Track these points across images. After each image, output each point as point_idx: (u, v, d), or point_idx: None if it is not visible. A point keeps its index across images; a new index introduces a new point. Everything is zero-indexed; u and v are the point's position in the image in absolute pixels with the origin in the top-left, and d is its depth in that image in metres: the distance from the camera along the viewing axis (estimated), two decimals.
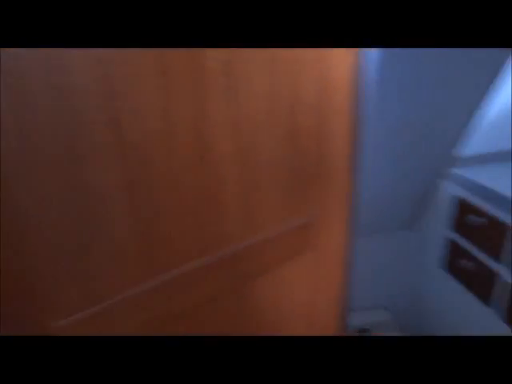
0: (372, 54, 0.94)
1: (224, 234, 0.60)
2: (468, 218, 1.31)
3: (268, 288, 0.70)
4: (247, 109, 0.56)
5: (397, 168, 1.26)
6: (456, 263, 1.39)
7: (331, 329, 0.87)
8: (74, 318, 0.49)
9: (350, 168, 0.73)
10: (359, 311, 1.58)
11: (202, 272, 0.59)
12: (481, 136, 1.34)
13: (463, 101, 1.13)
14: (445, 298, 1.49)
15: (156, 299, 0.56)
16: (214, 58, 0.51)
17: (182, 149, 0.52)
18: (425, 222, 1.51)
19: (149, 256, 0.53)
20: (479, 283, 1.30)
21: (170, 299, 0.57)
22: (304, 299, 0.80)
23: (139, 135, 0.48)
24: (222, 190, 0.57)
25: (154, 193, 0.51)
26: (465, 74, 1.06)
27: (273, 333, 0.75)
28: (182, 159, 0.52)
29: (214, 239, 0.60)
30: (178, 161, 0.52)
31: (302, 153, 0.65)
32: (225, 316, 0.66)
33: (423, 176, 1.33)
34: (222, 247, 0.61)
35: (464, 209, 1.35)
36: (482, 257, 1.28)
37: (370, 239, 1.48)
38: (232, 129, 0.55)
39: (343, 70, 0.64)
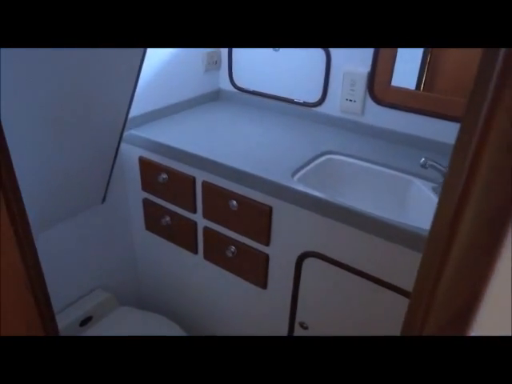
0: None
1: None
2: (154, 176, 1.33)
3: None
4: None
5: (74, 150, 1.13)
6: (158, 222, 1.42)
7: None
8: None
9: None
10: (79, 301, 1.44)
11: None
12: (140, 98, 1.34)
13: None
14: (158, 258, 1.53)
15: None
16: None
17: None
18: (119, 190, 1.46)
19: None
20: (183, 236, 1.38)
21: None
22: None
23: None
24: None
25: None
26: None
27: None
28: None
29: None
30: None
31: None
32: None
33: (102, 149, 1.24)
34: None
35: (147, 167, 1.34)
36: (178, 211, 1.35)
37: (65, 225, 1.33)
38: None
39: None
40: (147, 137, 1.31)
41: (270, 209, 1.11)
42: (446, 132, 1.23)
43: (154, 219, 1.44)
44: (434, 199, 1.10)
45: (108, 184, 1.37)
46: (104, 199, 1.40)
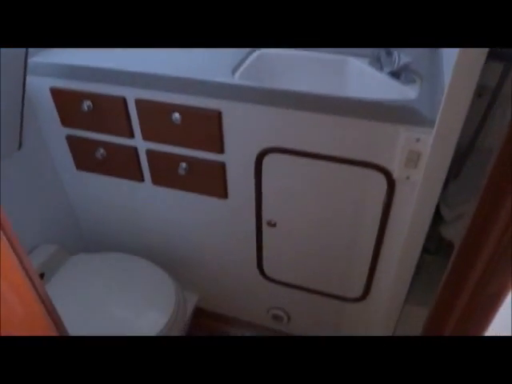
0: None
1: None
2: (75, 106, 1.17)
3: None
4: None
5: None
6: (90, 157, 1.29)
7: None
8: None
9: None
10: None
11: None
12: None
13: None
14: (98, 197, 1.41)
15: None
16: None
17: None
18: (35, 131, 1.28)
19: None
20: (124, 165, 1.27)
21: None
22: None
23: None
24: None
25: None
26: None
27: None
28: None
29: None
30: None
31: None
32: None
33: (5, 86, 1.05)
34: None
35: (63, 98, 1.18)
36: (113, 139, 1.23)
37: None
38: None
39: None
40: (57, 61, 1.13)
41: (219, 113, 1.05)
42: None
43: (84, 156, 1.30)
44: (372, 72, 1.13)
45: (21, 126, 1.18)
46: (20, 144, 1.23)
